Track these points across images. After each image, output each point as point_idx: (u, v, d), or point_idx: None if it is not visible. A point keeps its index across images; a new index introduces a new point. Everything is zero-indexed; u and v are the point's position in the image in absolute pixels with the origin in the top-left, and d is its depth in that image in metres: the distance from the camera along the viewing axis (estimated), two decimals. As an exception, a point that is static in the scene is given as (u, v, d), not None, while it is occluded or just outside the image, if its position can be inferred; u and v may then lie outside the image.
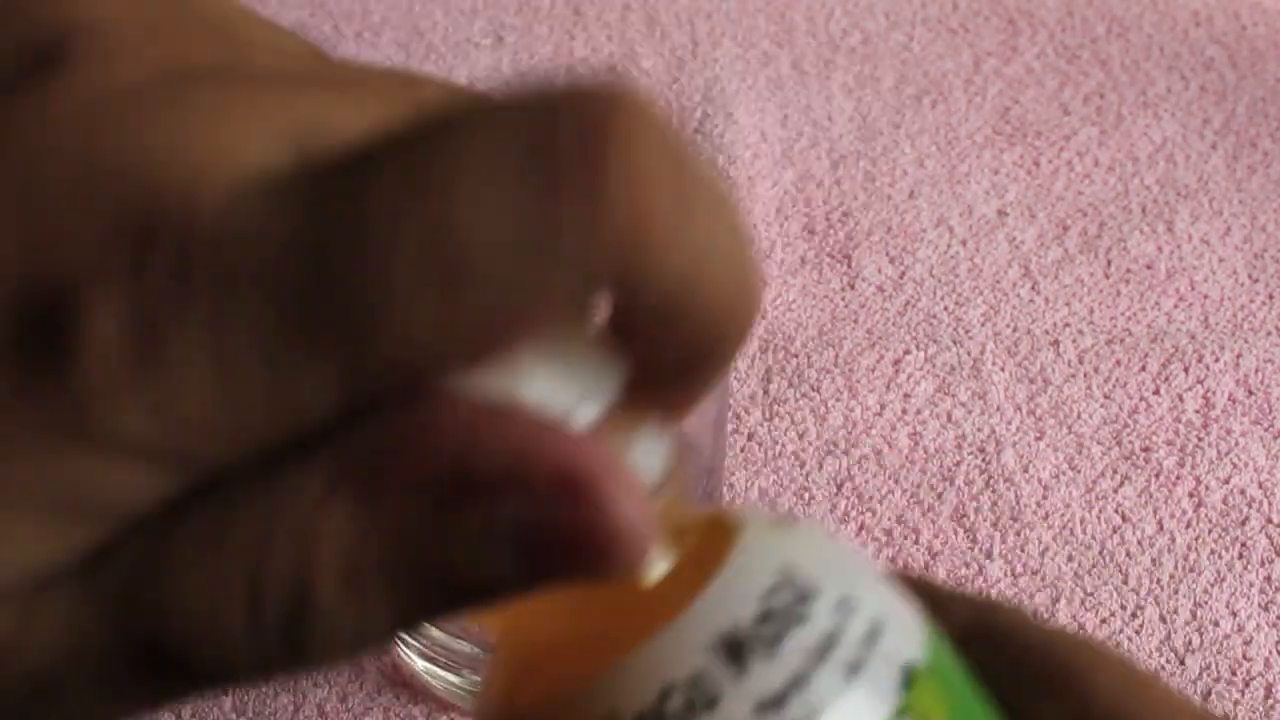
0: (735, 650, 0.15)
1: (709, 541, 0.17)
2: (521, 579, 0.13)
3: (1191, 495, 0.40)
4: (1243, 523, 0.39)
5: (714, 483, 0.33)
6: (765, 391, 0.43)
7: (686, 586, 0.16)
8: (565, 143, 0.12)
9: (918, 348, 0.44)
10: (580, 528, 0.12)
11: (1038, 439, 0.41)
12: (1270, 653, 0.35)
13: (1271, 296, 0.46)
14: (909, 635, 0.17)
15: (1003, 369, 0.44)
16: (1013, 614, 0.20)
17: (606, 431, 0.15)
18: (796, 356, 0.44)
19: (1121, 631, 0.36)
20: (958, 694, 0.17)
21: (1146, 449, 0.41)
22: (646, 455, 0.17)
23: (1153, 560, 0.38)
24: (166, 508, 0.12)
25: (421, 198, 0.12)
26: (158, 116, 0.12)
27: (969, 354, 0.44)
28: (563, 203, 0.12)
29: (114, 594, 0.12)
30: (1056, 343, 0.45)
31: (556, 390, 0.14)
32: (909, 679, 0.16)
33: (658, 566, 0.16)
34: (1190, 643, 0.36)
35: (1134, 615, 0.36)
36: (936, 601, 0.20)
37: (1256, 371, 0.43)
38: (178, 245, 0.12)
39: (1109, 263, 0.48)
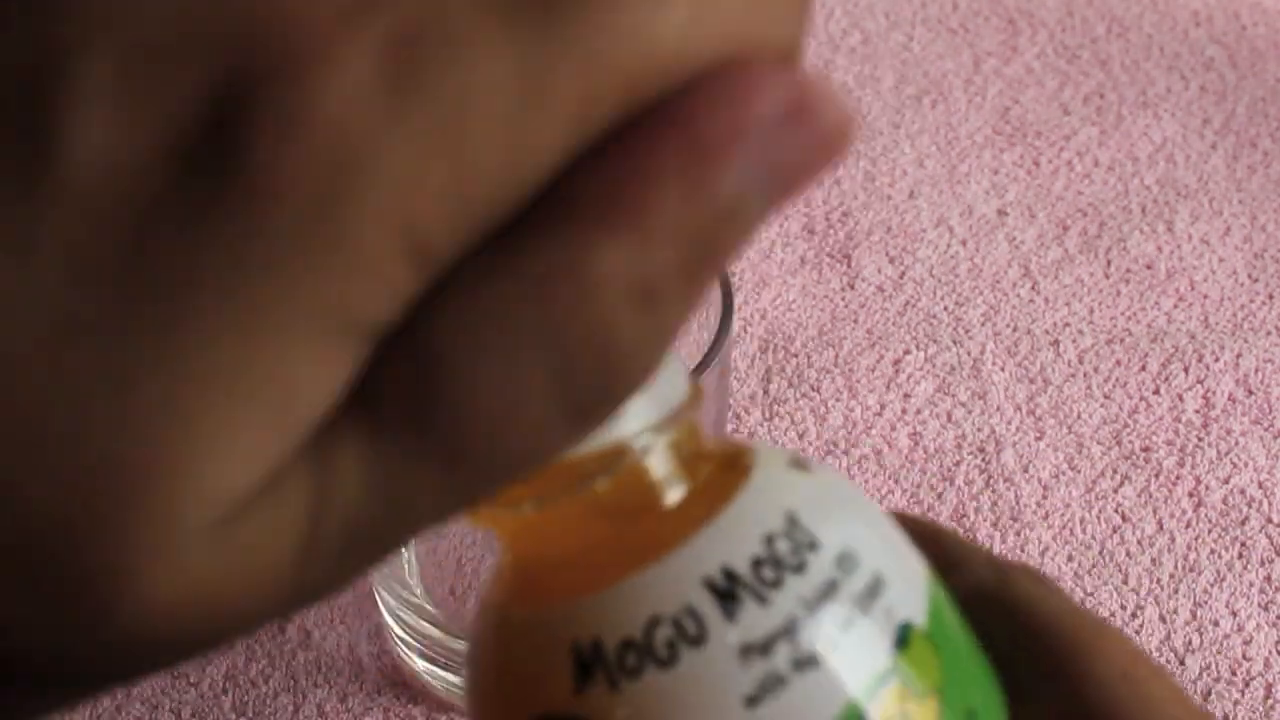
0: (728, 591, 0.15)
1: (721, 475, 0.17)
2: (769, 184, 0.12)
3: (1191, 495, 0.40)
4: (1243, 523, 0.39)
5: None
6: (765, 391, 0.43)
7: (691, 519, 0.16)
8: None
9: (918, 348, 0.44)
10: (816, 113, 0.12)
11: (1038, 439, 0.41)
12: (1270, 653, 0.35)
13: (1271, 296, 0.46)
14: (911, 595, 0.16)
15: (1003, 369, 0.44)
16: (1031, 581, 0.19)
17: None
18: (796, 356, 0.44)
19: (1121, 631, 0.36)
20: (954, 658, 0.17)
21: (1146, 449, 0.41)
22: (669, 380, 0.16)
23: (1153, 560, 0.38)
24: (408, 316, 0.12)
25: None
26: None
27: (969, 354, 0.44)
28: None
29: (399, 419, 0.12)
30: (1056, 342, 0.45)
31: None
32: (904, 638, 0.16)
33: (669, 494, 0.16)
34: (1190, 642, 0.36)
35: (1134, 615, 0.36)
36: (956, 556, 0.20)
37: (1256, 371, 0.43)
38: None
39: (1109, 263, 0.48)
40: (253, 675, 0.35)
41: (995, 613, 0.19)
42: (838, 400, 0.42)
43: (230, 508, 0.12)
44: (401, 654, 0.35)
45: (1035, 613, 0.19)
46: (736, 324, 0.42)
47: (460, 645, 0.33)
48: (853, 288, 0.47)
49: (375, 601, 0.36)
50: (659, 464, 0.16)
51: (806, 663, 0.15)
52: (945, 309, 0.46)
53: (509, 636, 0.16)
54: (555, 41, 0.11)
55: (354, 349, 0.12)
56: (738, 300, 0.47)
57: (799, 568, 0.15)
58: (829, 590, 0.15)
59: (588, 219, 0.12)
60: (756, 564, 0.15)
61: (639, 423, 0.16)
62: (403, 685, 0.35)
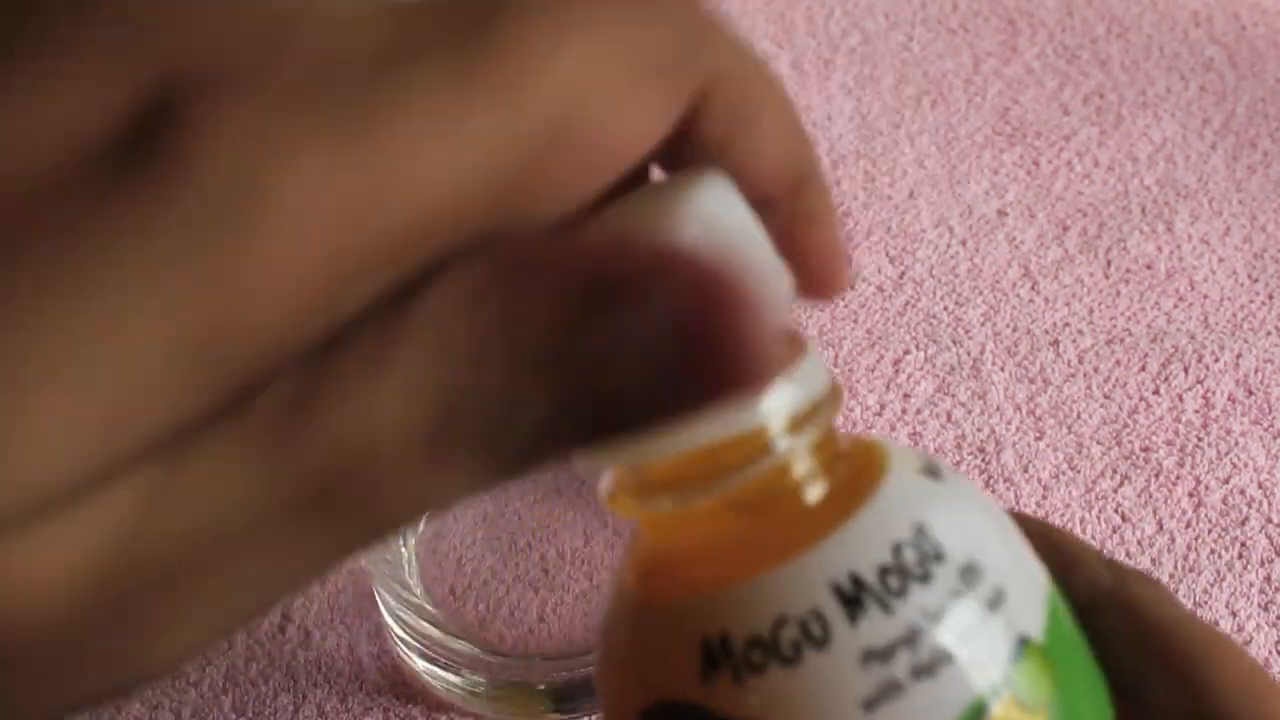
0: (854, 597, 0.15)
1: (854, 478, 0.17)
2: (648, 390, 0.12)
3: (1191, 495, 0.40)
4: (1242, 523, 0.39)
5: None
6: (765, 391, 0.43)
7: (822, 522, 0.16)
8: None
9: (917, 348, 0.44)
10: (714, 329, 0.12)
11: (1038, 439, 0.41)
12: (1270, 653, 0.35)
13: (1271, 296, 0.46)
14: (1030, 607, 0.17)
15: (1002, 369, 0.44)
16: (1150, 588, 0.19)
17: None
18: (796, 356, 0.44)
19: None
20: (1068, 670, 0.17)
21: (1146, 449, 0.41)
22: (811, 378, 0.17)
23: (1153, 560, 0.38)
24: (313, 347, 0.12)
25: None
26: None
27: (969, 354, 0.44)
28: None
29: (270, 433, 0.12)
30: (1056, 343, 0.45)
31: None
32: (1021, 651, 0.16)
33: (814, 490, 0.17)
34: (1190, 643, 0.36)
35: (1134, 615, 0.36)
36: (1073, 557, 0.20)
37: (1256, 371, 0.43)
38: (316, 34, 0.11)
39: (1109, 263, 0.48)
40: (253, 675, 0.35)
41: (1113, 614, 0.19)
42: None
43: (40, 500, 0.11)
44: (401, 654, 0.35)
45: (1154, 617, 0.19)
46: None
47: (460, 645, 0.33)
48: (853, 288, 0.47)
49: (375, 601, 0.36)
50: (797, 464, 0.17)
51: (925, 672, 0.15)
52: (945, 309, 0.46)
53: (642, 622, 0.17)
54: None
55: (216, 378, 0.11)
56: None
57: (924, 578, 0.16)
58: (950, 602, 0.16)
59: (485, 282, 0.12)
60: (883, 572, 0.16)
61: (781, 420, 0.16)
62: (403, 685, 0.35)
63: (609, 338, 0.12)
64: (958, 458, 0.41)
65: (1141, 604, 0.19)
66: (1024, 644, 0.16)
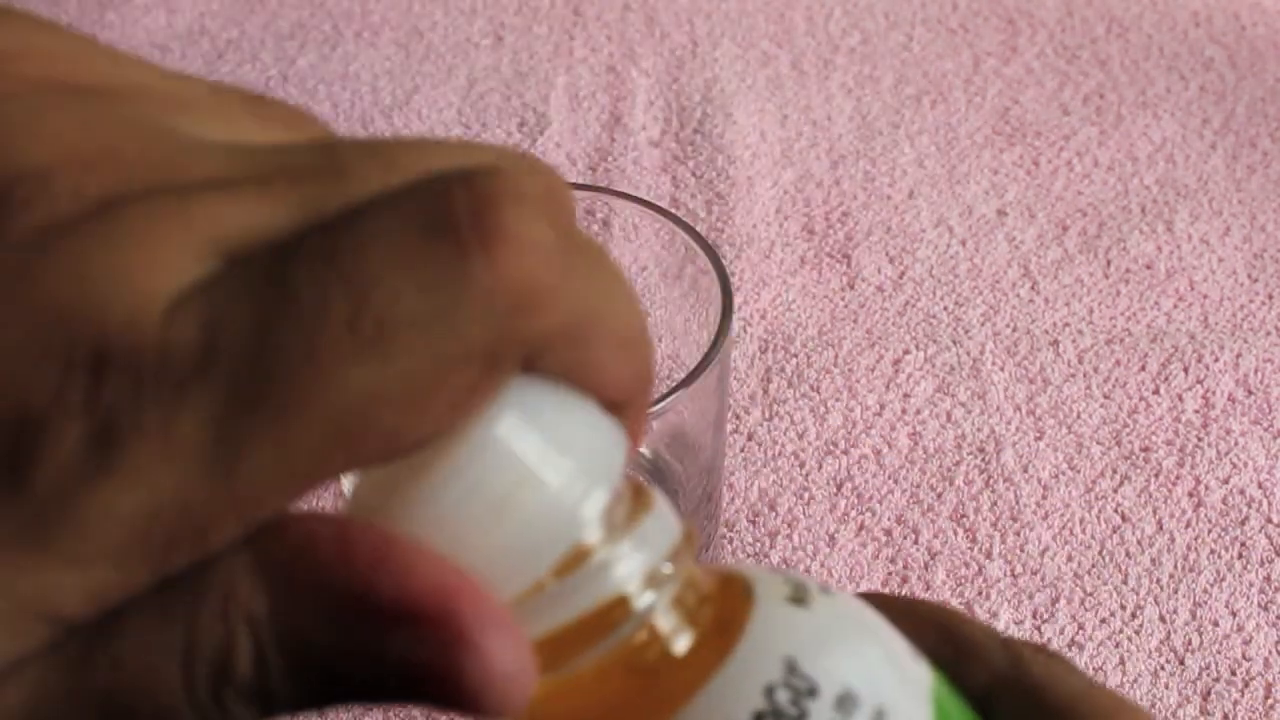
0: None
1: (721, 619, 0.17)
2: (402, 697, 0.14)
3: (1191, 495, 0.40)
4: (1242, 523, 0.39)
5: (714, 482, 0.33)
6: (765, 391, 0.43)
7: (693, 675, 0.16)
8: (458, 218, 0.14)
9: (917, 348, 0.44)
10: (455, 672, 0.14)
11: (1037, 439, 0.41)
12: (1270, 652, 0.35)
13: (1271, 296, 0.46)
14: (913, 717, 0.17)
15: (1002, 369, 0.44)
16: (1048, 666, 0.20)
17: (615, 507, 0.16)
18: (796, 356, 0.44)
19: (1121, 631, 0.36)
20: None
21: (1146, 449, 0.41)
22: (657, 532, 0.16)
23: (1152, 560, 0.38)
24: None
25: (340, 271, 0.13)
26: (93, 250, 0.13)
27: (968, 354, 0.44)
28: (461, 271, 0.13)
29: (75, 660, 0.14)
30: (1056, 343, 0.45)
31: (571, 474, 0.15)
32: None
33: (681, 641, 0.16)
34: (1190, 642, 0.36)
35: (1134, 615, 0.36)
36: (968, 645, 0.20)
37: (1256, 371, 0.43)
38: (127, 365, 0.13)
39: (1109, 263, 0.48)
40: (252, 675, 0.35)
41: (1012, 699, 0.19)
42: (837, 400, 0.42)
43: None
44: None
45: (1054, 694, 0.19)
46: (736, 324, 0.42)
47: None
48: (852, 288, 0.47)
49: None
50: (659, 622, 0.16)
51: None
52: (945, 309, 0.46)
53: None
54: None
55: (50, 627, 0.14)
56: (738, 300, 0.47)
57: (800, 718, 0.16)
58: None
59: (258, 567, 0.14)
60: (758, 718, 0.16)
61: (637, 583, 0.16)
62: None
63: (356, 651, 0.14)
64: (958, 458, 0.41)
65: (1039, 684, 0.19)
66: None
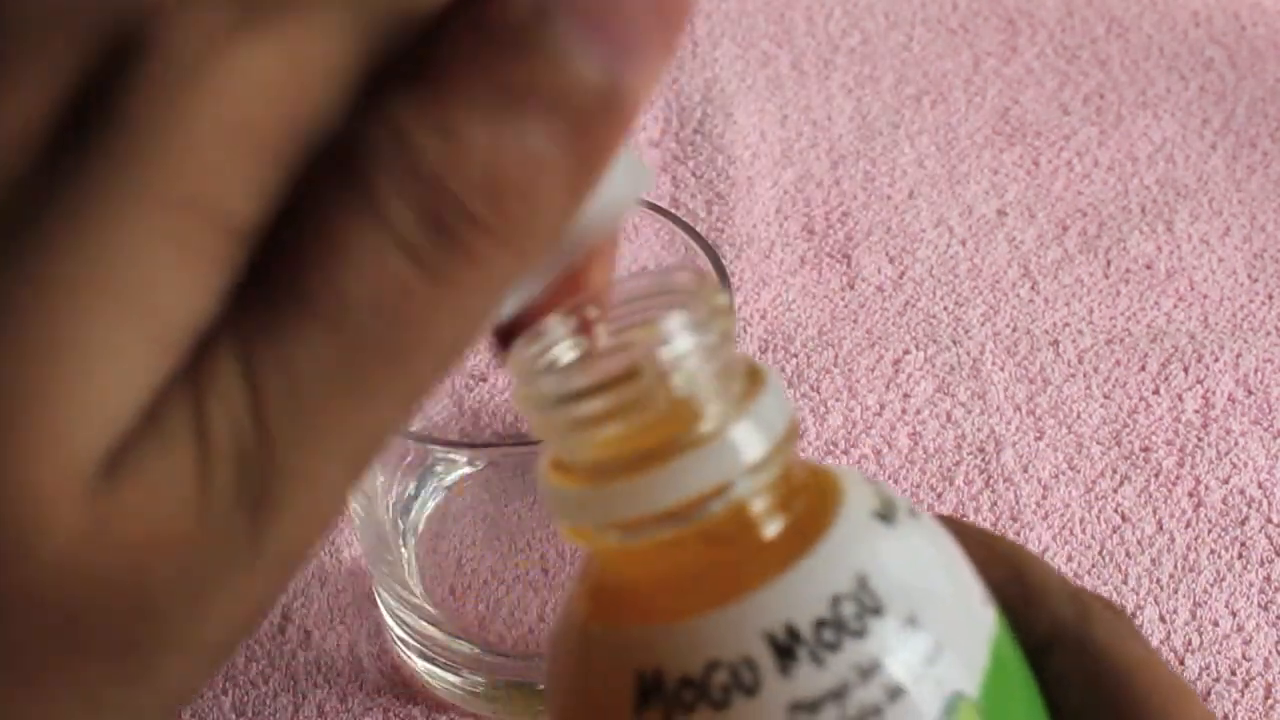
0: (787, 648, 0.15)
1: (805, 518, 0.17)
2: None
3: (1191, 495, 0.40)
4: (1242, 523, 0.39)
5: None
6: (765, 391, 0.43)
7: (768, 565, 0.16)
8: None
9: (917, 348, 0.44)
10: None
11: (1037, 439, 0.41)
12: (1270, 653, 0.35)
13: (1271, 296, 0.46)
14: (969, 661, 0.17)
15: (1002, 369, 0.44)
16: (1113, 627, 0.19)
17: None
18: (796, 356, 0.44)
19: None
20: None
21: (1146, 449, 0.41)
22: (770, 413, 0.16)
23: (1152, 560, 0.38)
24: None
25: None
26: None
27: (968, 354, 0.44)
28: None
29: (279, 303, 0.13)
30: (1056, 343, 0.45)
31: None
32: (954, 708, 0.16)
33: (764, 529, 0.17)
34: (1190, 642, 0.36)
35: (1134, 615, 0.36)
36: (1037, 589, 0.19)
37: (1256, 371, 0.43)
38: None
39: (1108, 263, 0.48)
40: (253, 675, 0.35)
41: (1071, 655, 0.19)
42: (837, 400, 0.42)
43: (115, 439, 0.12)
44: (401, 654, 0.35)
45: (1113, 661, 0.19)
46: (736, 324, 0.42)
47: (460, 645, 0.33)
48: (852, 288, 0.47)
49: (375, 601, 0.36)
50: (752, 504, 0.16)
51: None
52: (945, 309, 0.46)
53: (584, 648, 0.17)
54: None
55: (218, 248, 0.12)
56: (738, 300, 0.47)
57: (860, 633, 0.16)
58: (883, 659, 0.16)
59: (452, 93, 0.13)
60: (819, 624, 0.16)
61: (741, 462, 0.16)
62: (403, 685, 0.35)
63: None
64: (958, 458, 0.41)
65: (1101, 646, 0.19)
66: (957, 701, 0.16)
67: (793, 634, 0.16)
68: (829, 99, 0.59)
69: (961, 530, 0.19)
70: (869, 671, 0.16)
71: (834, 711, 0.15)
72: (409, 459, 0.36)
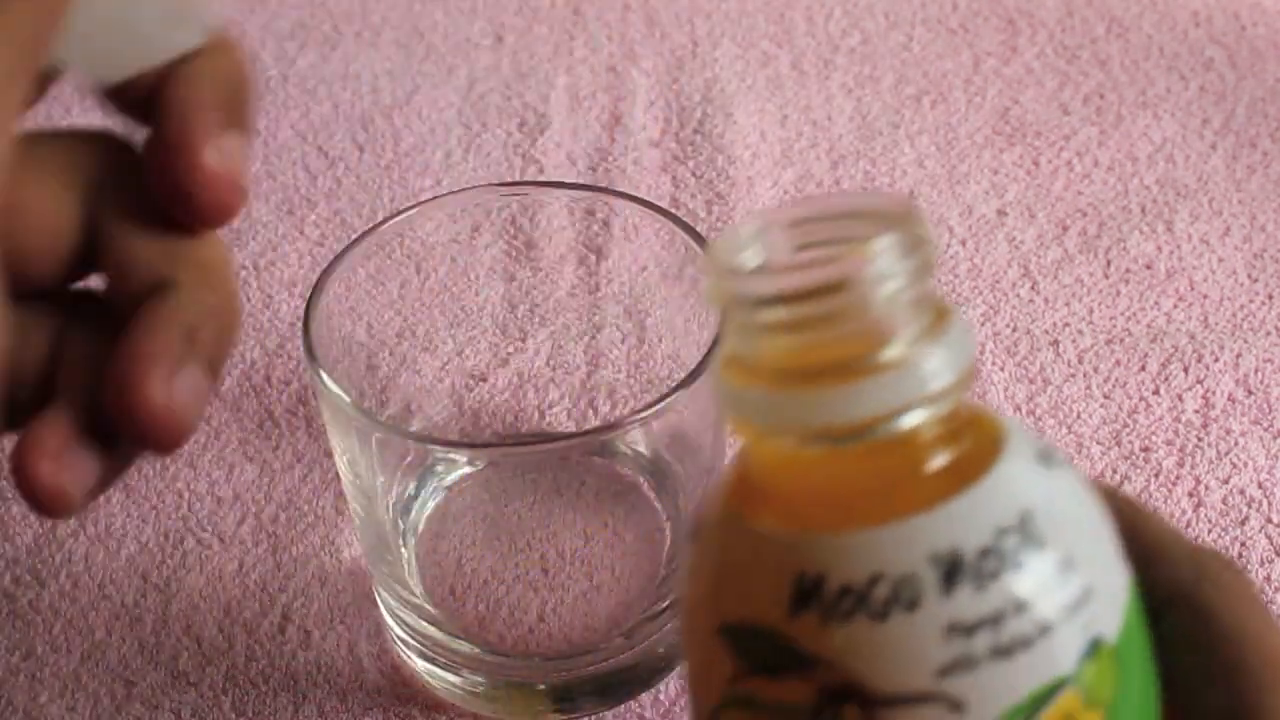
0: (951, 570, 0.16)
1: (974, 452, 0.17)
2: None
3: (1191, 495, 0.40)
4: (1242, 523, 0.39)
5: (714, 483, 0.33)
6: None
7: (937, 490, 0.17)
8: None
9: (917, 348, 0.44)
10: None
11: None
12: (1270, 653, 0.35)
13: (1271, 296, 0.46)
14: (1110, 610, 0.17)
15: (1002, 369, 0.44)
16: (1228, 591, 0.19)
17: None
18: (796, 356, 0.44)
19: None
20: (1132, 674, 0.17)
21: (1146, 449, 0.41)
22: (955, 349, 0.17)
23: (1152, 560, 0.38)
24: None
25: None
26: None
27: (969, 354, 0.44)
28: None
29: None
30: (1056, 343, 0.45)
31: None
32: (1094, 651, 0.17)
33: (931, 459, 0.17)
34: (1190, 643, 0.36)
35: (1134, 615, 0.36)
36: (1157, 547, 0.20)
37: (1256, 371, 0.43)
38: None
39: (1108, 263, 0.48)
40: (253, 675, 0.35)
41: (1186, 616, 0.19)
42: (837, 400, 0.42)
43: None
44: (401, 654, 0.35)
45: (1229, 632, 0.19)
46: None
47: (460, 645, 0.33)
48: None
49: (375, 601, 0.36)
50: (927, 430, 0.17)
51: (1002, 653, 0.16)
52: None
53: (740, 543, 0.18)
54: None
55: None
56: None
57: (1019, 566, 0.16)
58: (1039, 593, 0.16)
59: None
60: (983, 553, 0.16)
61: (922, 390, 0.17)
62: (403, 685, 0.35)
63: None
64: (958, 458, 0.41)
65: (1216, 612, 0.19)
66: (1098, 644, 0.17)
67: (957, 559, 0.16)
68: (829, 99, 0.59)
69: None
70: (1023, 605, 0.16)
71: (988, 638, 0.16)
72: (409, 459, 0.36)
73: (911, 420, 0.17)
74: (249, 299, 0.48)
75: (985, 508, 0.17)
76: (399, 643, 0.35)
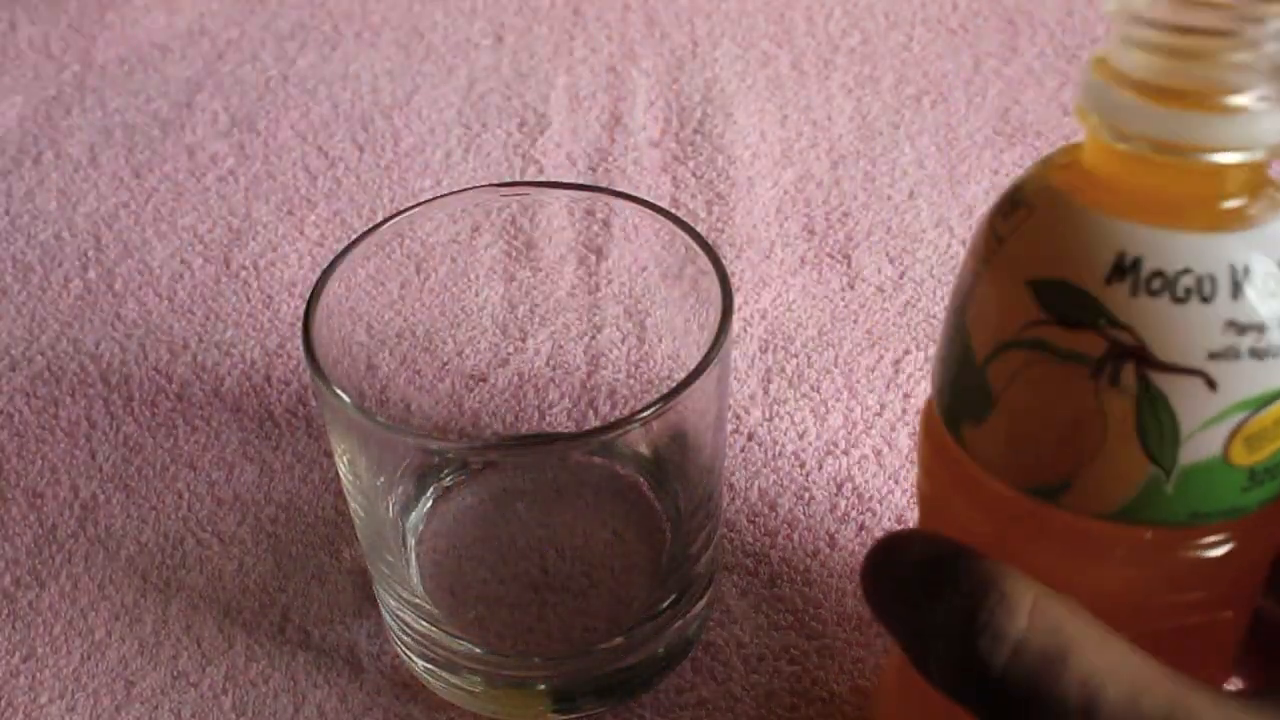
0: (1240, 282, 0.20)
1: (1273, 201, 0.21)
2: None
3: None
4: None
5: (714, 483, 0.33)
6: (765, 391, 0.43)
7: (1249, 218, 0.21)
8: None
9: (917, 348, 0.44)
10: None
11: (1038, 439, 0.41)
12: (1270, 653, 0.35)
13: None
14: None
15: (1002, 369, 0.44)
16: None
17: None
18: (796, 356, 0.44)
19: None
20: None
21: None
22: None
23: (1153, 560, 0.38)
24: None
25: None
26: None
27: (969, 354, 0.44)
28: None
29: None
30: (1056, 343, 0.45)
31: None
32: None
33: (1254, 194, 0.21)
34: (1190, 643, 0.36)
35: (1134, 615, 0.36)
36: None
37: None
38: None
39: (1109, 263, 0.48)
40: (253, 675, 0.35)
41: None
42: (838, 400, 0.42)
43: None
44: (401, 654, 0.35)
45: None
46: (737, 324, 0.42)
47: (460, 645, 0.33)
48: (853, 288, 0.47)
49: (375, 601, 0.36)
50: (1249, 172, 0.21)
51: (1257, 355, 0.20)
52: (945, 309, 0.46)
53: (1070, 219, 0.21)
54: None
55: None
56: (738, 300, 0.47)
57: None
58: None
59: None
60: (1268, 274, 0.20)
61: (1259, 137, 0.20)
62: (402, 685, 0.35)
63: None
64: (958, 458, 0.41)
65: None
66: None
67: (1248, 273, 0.20)
68: (829, 99, 0.59)
69: None
70: None
71: (1252, 339, 0.20)
72: (409, 459, 0.36)
73: (1244, 157, 0.20)
74: (249, 299, 0.48)
75: (1276, 240, 0.20)
76: (399, 643, 0.35)
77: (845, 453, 0.41)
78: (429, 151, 0.56)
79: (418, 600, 0.34)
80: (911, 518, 0.39)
